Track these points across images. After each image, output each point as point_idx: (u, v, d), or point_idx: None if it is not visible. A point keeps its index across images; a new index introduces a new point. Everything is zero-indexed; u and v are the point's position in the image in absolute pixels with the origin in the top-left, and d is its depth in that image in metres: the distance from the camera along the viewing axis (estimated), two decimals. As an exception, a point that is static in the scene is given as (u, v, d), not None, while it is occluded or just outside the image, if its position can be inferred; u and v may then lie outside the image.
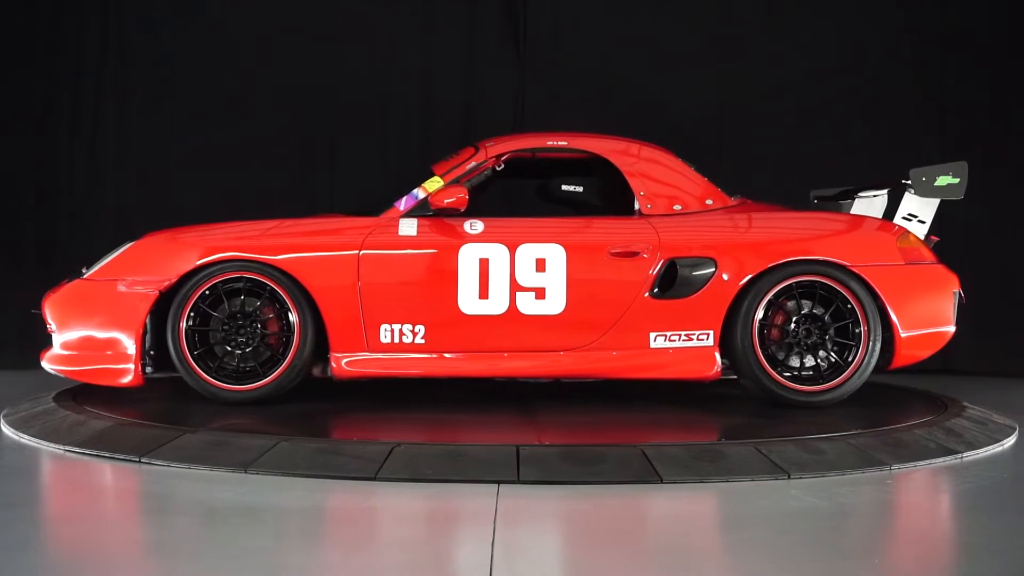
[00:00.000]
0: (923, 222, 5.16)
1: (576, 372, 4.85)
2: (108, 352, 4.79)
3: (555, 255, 4.81)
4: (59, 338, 4.89)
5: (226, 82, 7.48)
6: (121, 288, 4.80)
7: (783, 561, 2.91)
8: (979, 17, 7.20)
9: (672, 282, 4.80)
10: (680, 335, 4.81)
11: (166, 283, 4.77)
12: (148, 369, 4.88)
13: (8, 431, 4.64)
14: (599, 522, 3.35)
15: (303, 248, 4.83)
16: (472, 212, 5.00)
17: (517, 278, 4.80)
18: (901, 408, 4.99)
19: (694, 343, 4.81)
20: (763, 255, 4.83)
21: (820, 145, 7.11)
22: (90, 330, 4.82)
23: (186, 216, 7.00)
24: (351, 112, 7.46)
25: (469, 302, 4.80)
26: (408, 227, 4.88)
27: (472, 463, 3.80)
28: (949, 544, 3.22)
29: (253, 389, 4.83)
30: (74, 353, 4.85)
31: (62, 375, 4.93)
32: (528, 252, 4.82)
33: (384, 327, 4.81)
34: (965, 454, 4.24)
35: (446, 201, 4.81)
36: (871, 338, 4.82)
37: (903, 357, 4.88)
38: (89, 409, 4.70)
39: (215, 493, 3.58)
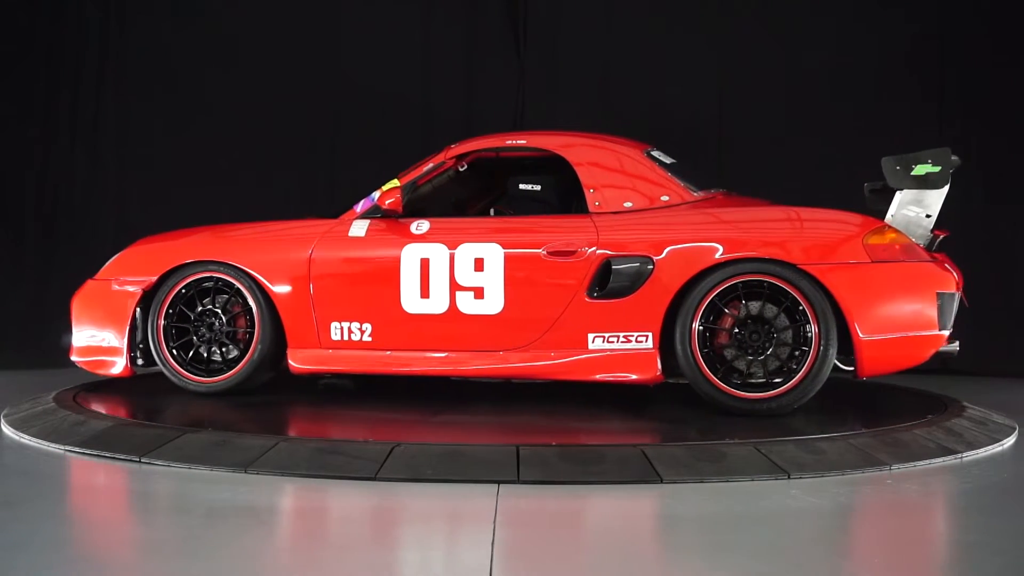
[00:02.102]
0: (928, 215, 4.69)
1: (516, 373, 4.83)
2: (104, 344, 5.16)
3: (493, 254, 4.79)
4: (76, 331, 5.27)
5: (226, 82, 7.49)
6: (115, 287, 5.19)
7: (783, 561, 2.91)
8: (979, 16, 7.21)
9: (608, 282, 4.68)
10: (618, 336, 4.66)
11: (148, 283, 5.13)
12: (139, 362, 5.17)
13: (8, 431, 4.64)
14: (599, 522, 3.35)
15: (263, 250, 5.08)
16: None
17: (456, 278, 4.81)
18: (901, 408, 4.97)
19: (632, 345, 4.64)
20: (704, 253, 4.58)
21: (820, 144, 7.12)
22: (92, 324, 5.22)
23: (186, 215, 7.01)
24: (351, 112, 7.47)
25: (411, 301, 4.86)
26: (358, 229, 5.01)
27: (472, 463, 3.80)
28: (949, 544, 3.22)
29: (220, 381, 5.08)
30: (83, 345, 5.24)
31: (79, 365, 5.30)
32: (467, 252, 4.82)
33: (334, 325, 4.94)
34: (965, 454, 4.23)
35: (387, 203, 4.94)
36: (822, 342, 4.45)
37: (869, 362, 4.49)
38: (89, 409, 4.71)
39: (215, 493, 3.57)
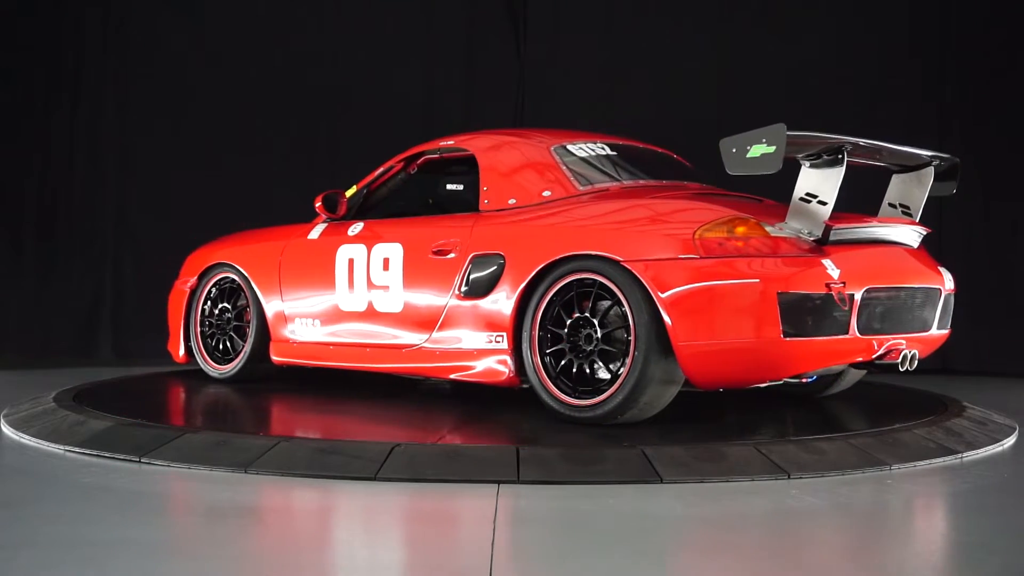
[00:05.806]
0: (824, 203, 4.14)
1: (413, 371, 4.92)
2: (172, 334, 5.90)
3: (395, 255, 4.89)
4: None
5: (227, 82, 7.50)
6: (179, 287, 5.94)
7: (783, 561, 2.91)
8: (980, 14, 7.21)
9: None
10: (483, 336, 4.57)
11: (193, 283, 5.85)
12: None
13: (8, 431, 4.64)
14: (599, 522, 3.35)
15: (254, 253, 5.60)
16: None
17: (371, 277, 4.98)
18: (901, 408, 4.98)
19: (492, 346, 4.54)
20: (542, 250, 4.36)
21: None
22: (168, 318, 5.96)
23: (186, 214, 7.03)
24: (351, 112, 7.47)
25: (343, 299, 5.10)
26: (316, 232, 5.37)
27: (472, 463, 3.80)
28: (949, 544, 3.22)
29: (225, 369, 5.70)
30: (168, 337, 5.95)
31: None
32: (379, 252, 4.96)
33: (298, 320, 5.34)
34: (965, 454, 4.24)
35: (316, 205, 5.25)
36: (639, 347, 4.07)
37: (697, 373, 4.08)
38: (89, 409, 4.71)
39: (215, 493, 3.58)
